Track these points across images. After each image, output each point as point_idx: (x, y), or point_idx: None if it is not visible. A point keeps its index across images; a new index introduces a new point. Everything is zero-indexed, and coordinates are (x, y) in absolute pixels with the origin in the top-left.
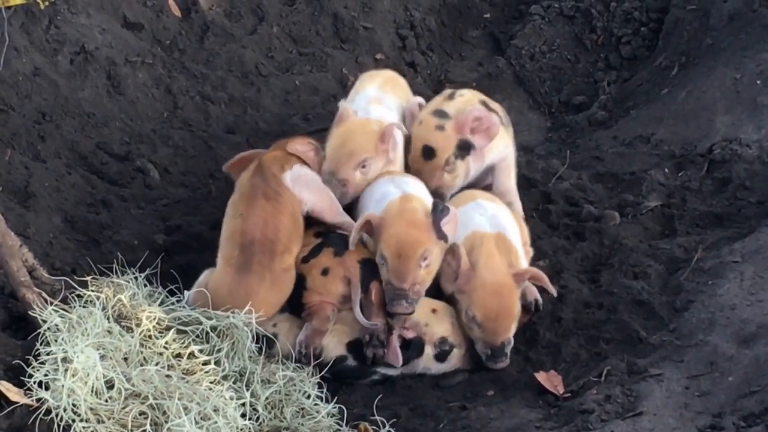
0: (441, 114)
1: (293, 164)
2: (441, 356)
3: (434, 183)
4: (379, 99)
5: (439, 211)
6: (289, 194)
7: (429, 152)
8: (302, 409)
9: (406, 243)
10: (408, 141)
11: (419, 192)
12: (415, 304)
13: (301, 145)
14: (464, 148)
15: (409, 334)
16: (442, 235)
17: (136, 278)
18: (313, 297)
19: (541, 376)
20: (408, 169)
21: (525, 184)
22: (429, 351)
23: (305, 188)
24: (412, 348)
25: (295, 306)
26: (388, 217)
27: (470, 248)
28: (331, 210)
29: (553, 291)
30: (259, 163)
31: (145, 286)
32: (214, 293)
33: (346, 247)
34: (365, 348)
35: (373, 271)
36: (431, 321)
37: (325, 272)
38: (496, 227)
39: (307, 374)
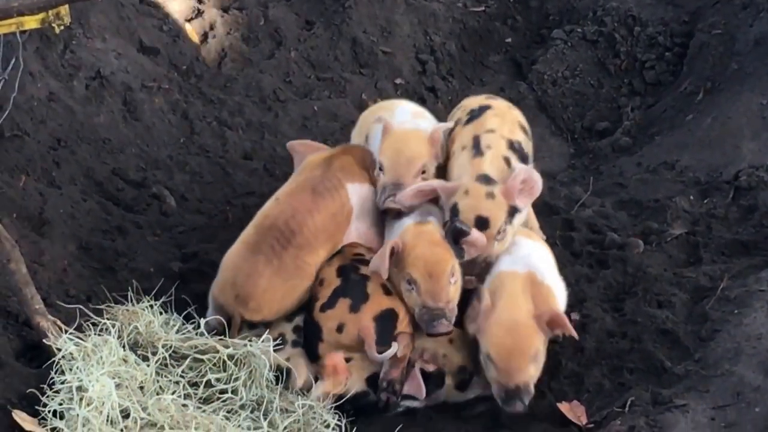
0: (486, 180)
1: (364, 182)
2: (462, 385)
3: (486, 252)
4: (420, 113)
5: (454, 230)
6: (343, 199)
7: (483, 223)
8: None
9: (434, 262)
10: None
11: (430, 218)
12: (453, 322)
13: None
14: (512, 213)
15: (429, 368)
16: (458, 254)
17: (151, 306)
18: (328, 351)
19: (563, 407)
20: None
21: (547, 211)
22: (449, 381)
23: (365, 213)
24: (432, 380)
25: (312, 355)
26: (409, 240)
27: (495, 288)
28: (370, 243)
29: (574, 335)
30: (329, 162)
31: (161, 314)
32: (222, 268)
33: (363, 299)
34: (379, 392)
35: (392, 325)
36: (449, 351)
37: (339, 329)
38: (526, 266)
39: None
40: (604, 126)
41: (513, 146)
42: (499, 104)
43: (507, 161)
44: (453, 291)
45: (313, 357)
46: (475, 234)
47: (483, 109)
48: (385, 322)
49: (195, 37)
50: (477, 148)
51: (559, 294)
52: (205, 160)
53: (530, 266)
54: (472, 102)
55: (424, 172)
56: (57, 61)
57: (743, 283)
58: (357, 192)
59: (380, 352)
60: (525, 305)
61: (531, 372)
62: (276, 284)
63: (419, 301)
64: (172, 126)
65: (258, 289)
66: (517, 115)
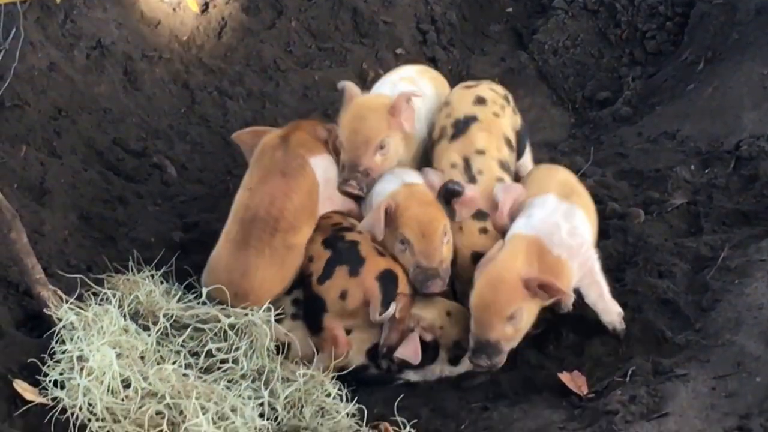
0: (481, 216)
1: (323, 152)
2: (455, 360)
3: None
4: (412, 79)
5: (446, 191)
6: (311, 176)
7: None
8: (322, 408)
9: (426, 221)
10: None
11: (418, 180)
12: (446, 282)
13: (329, 133)
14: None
15: (428, 336)
16: (450, 213)
17: (152, 276)
18: (333, 321)
19: (564, 377)
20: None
21: None
22: (444, 354)
23: (329, 185)
24: (429, 352)
25: (316, 327)
26: (401, 201)
27: (505, 245)
28: (348, 207)
29: (568, 305)
30: (286, 141)
31: (162, 283)
32: (212, 269)
33: (360, 262)
34: (380, 358)
35: (394, 284)
36: (446, 324)
37: (343, 296)
38: (537, 232)
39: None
40: (604, 96)
41: (503, 165)
42: (486, 113)
43: (500, 181)
44: (446, 251)
45: (317, 330)
46: (469, 193)
47: (469, 122)
48: (388, 282)
49: (195, 7)
50: (469, 173)
51: (570, 270)
52: (205, 130)
53: (542, 233)
54: (458, 103)
55: (382, 147)
56: (57, 31)
57: (744, 252)
58: (319, 165)
59: (381, 315)
60: (518, 266)
61: (506, 331)
62: (271, 273)
63: (413, 261)
64: (172, 96)
65: (255, 284)
66: (501, 124)
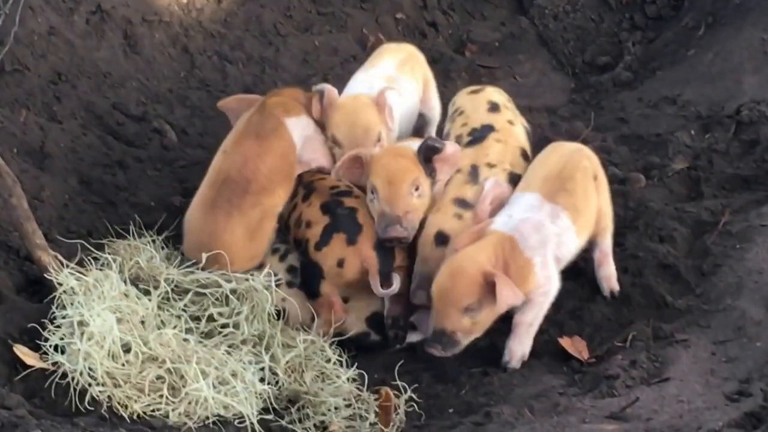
0: (463, 205)
1: (300, 113)
2: None
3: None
4: (391, 78)
5: (427, 147)
6: (286, 136)
7: (443, 240)
8: (322, 373)
9: (396, 170)
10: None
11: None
12: (411, 232)
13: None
14: None
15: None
16: (430, 172)
17: (153, 241)
18: (330, 288)
19: (565, 342)
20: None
21: None
22: None
23: (312, 146)
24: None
25: (312, 293)
26: (379, 152)
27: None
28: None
29: (499, 307)
30: (263, 104)
31: (163, 248)
32: (185, 231)
33: (358, 231)
34: (388, 329)
35: (392, 255)
36: None
37: (340, 264)
38: (512, 230)
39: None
40: (605, 61)
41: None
42: (502, 122)
43: None
44: (415, 203)
45: (314, 296)
46: (449, 149)
47: (486, 131)
48: (385, 251)
49: None
50: (475, 178)
51: (541, 274)
52: (205, 95)
53: (517, 232)
54: (472, 110)
55: (379, 140)
56: None
57: (745, 217)
58: (296, 125)
59: (383, 284)
60: (482, 259)
61: (462, 323)
62: (240, 235)
63: (378, 208)
64: (172, 60)
65: (224, 245)
66: (518, 135)
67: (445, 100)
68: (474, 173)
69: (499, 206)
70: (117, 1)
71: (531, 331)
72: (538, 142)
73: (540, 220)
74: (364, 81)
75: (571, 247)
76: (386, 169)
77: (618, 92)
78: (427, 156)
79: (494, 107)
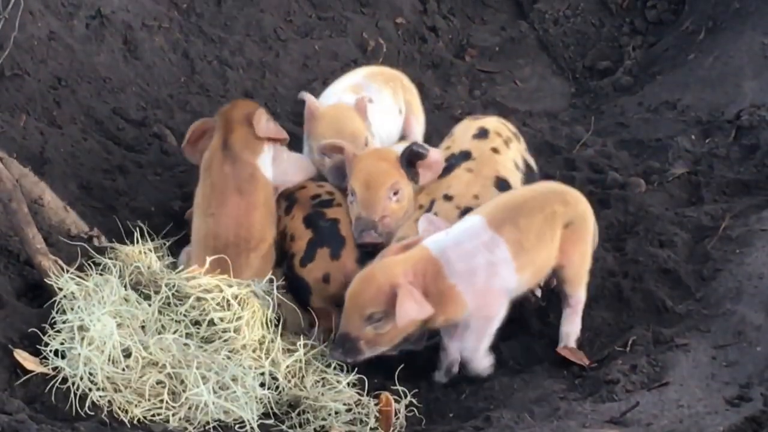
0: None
1: (262, 145)
2: None
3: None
4: (359, 86)
5: (410, 153)
6: (263, 182)
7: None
8: (323, 378)
9: (374, 174)
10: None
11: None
12: (386, 237)
13: (266, 123)
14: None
15: None
16: (412, 176)
17: (155, 247)
18: (318, 303)
19: (564, 351)
20: None
21: (549, 150)
22: None
23: (283, 170)
24: None
25: (304, 306)
26: (362, 155)
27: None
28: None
29: (398, 320)
30: (229, 148)
31: (163, 256)
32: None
33: (341, 245)
34: None
35: None
36: None
37: (326, 279)
38: (440, 253)
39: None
40: (605, 65)
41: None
42: (484, 149)
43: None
44: (393, 208)
45: (306, 308)
46: (434, 156)
47: (460, 159)
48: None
49: None
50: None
51: (472, 301)
52: (205, 100)
53: (443, 256)
54: (460, 135)
55: (366, 145)
56: (57, 1)
57: (745, 222)
58: (265, 161)
59: None
60: (398, 271)
61: (365, 331)
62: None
63: (356, 211)
64: (172, 65)
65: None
66: (500, 164)
67: (446, 104)
68: (429, 207)
69: None
70: (117, 5)
71: (478, 354)
72: (539, 146)
73: (472, 248)
74: (331, 94)
75: (509, 281)
76: (365, 172)
77: (618, 97)
78: (411, 160)
79: (482, 133)
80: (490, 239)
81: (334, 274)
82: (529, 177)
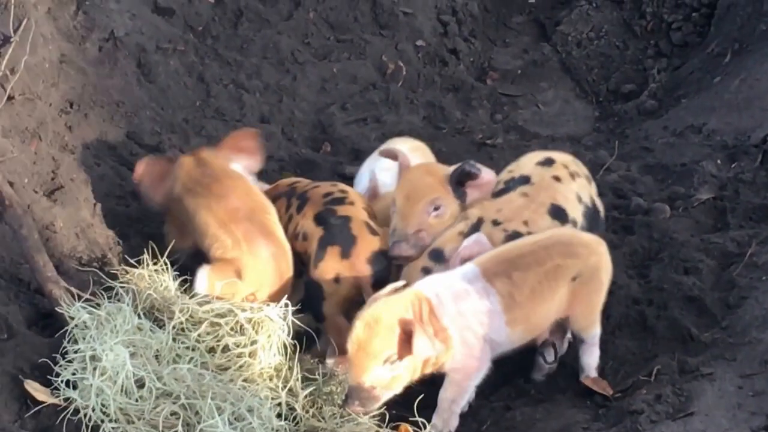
0: (437, 256)
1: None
2: None
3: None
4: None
5: (461, 172)
6: (253, 188)
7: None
8: (341, 408)
9: (417, 187)
10: None
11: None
12: (418, 251)
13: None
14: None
15: None
16: (459, 195)
17: (167, 271)
18: (332, 308)
19: (588, 381)
20: None
21: None
22: None
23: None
24: None
25: (317, 316)
26: (411, 167)
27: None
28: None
29: (411, 350)
30: (216, 180)
31: (182, 283)
32: None
33: (351, 242)
34: None
35: (387, 269)
36: None
37: (337, 280)
38: (431, 292)
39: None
40: (629, 88)
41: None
42: (545, 176)
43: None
44: (431, 223)
45: (319, 318)
46: (485, 177)
47: (518, 183)
48: (380, 265)
49: None
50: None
51: (459, 350)
52: (221, 124)
53: (436, 296)
54: (526, 162)
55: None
56: (69, 23)
57: None
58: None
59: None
60: (399, 309)
61: (377, 376)
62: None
63: (393, 221)
64: (187, 89)
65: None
66: (559, 192)
67: (466, 128)
68: (476, 226)
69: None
70: (131, 28)
71: (454, 408)
72: None
73: (464, 293)
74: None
75: (500, 334)
76: (409, 184)
77: (642, 121)
78: (461, 180)
79: (547, 162)
80: (483, 287)
81: (344, 274)
82: (593, 218)
